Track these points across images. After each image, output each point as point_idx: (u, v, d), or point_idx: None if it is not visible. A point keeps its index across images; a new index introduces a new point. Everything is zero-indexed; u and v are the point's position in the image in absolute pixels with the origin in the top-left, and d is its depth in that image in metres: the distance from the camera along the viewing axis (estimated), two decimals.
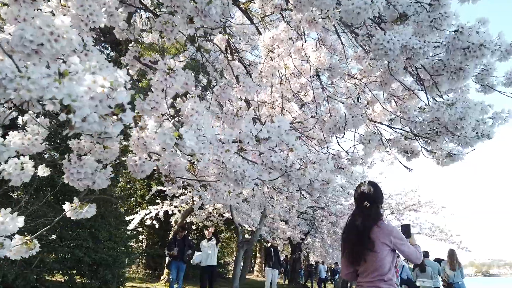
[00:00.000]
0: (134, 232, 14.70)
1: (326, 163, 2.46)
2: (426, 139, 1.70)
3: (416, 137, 1.75)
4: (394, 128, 1.97)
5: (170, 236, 11.36)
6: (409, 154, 1.96)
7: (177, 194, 11.01)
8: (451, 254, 8.30)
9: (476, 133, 1.50)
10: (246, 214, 7.81)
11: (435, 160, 1.87)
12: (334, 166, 2.33)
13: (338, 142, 2.56)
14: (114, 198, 8.01)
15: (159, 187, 11.27)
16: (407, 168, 2.27)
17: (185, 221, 12.18)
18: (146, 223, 12.44)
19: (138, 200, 14.66)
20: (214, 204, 10.88)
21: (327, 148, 2.26)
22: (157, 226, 12.72)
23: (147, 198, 12.35)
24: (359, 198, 2.65)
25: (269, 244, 11.18)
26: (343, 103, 1.95)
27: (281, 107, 2.20)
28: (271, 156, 1.55)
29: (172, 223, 12.62)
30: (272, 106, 2.33)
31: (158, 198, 12.54)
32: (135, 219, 12.35)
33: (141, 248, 16.89)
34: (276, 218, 11.02)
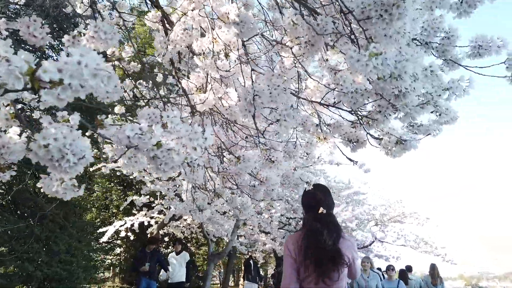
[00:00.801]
0: (108, 245, 14.06)
1: (248, 160, 2.06)
2: (367, 119, 1.31)
3: (356, 116, 1.36)
4: (338, 107, 1.57)
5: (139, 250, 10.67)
6: (354, 143, 1.57)
7: (154, 205, 10.49)
8: (433, 268, 8.24)
9: (422, 100, 1.12)
10: (219, 225, 7.32)
11: (383, 149, 1.49)
12: (267, 159, 1.93)
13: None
14: (75, 207, 7.46)
15: (135, 197, 10.75)
16: (352, 160, 1.89)
17: (160, 233, 11.62)
18: (120, 235, 11.86)
19: (114, 210, 14.06)
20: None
21: (258, 137, 1.85)
22: (132, 238, 12.14)
23: (121, 208, 11.79)
24: (312, 204, 2.23)
25: (247, 257, 10.68)
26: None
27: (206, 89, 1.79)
28: None
29: (149, 235, 12.05)
30: (201, 88, 1.93)
31: (135, 209, 11.99)
32: (109, 230, 11.78)
33: (118, 261, 16.20)
34: (255, 229, 10.53)
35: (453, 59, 1.50)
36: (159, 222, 11.52)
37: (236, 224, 6.86)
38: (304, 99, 1.64)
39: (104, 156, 2.59)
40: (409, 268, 11.75)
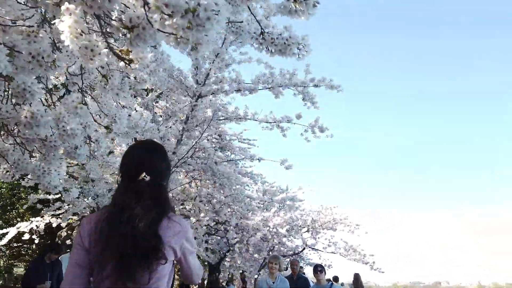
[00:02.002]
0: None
1: None
2: None
3: None
4: None
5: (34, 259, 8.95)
6: None
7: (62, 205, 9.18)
8: (356, 278, 8.21)
9: None
10: None
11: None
12: None
13: None
14: None
15: (39, 196, 9.37)
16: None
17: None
18: (24, 238, 10.34)
19: (21, 210, 12.39)
20: None
21: None
22: (36, 241, 10.67)
23: (24, 207, 10.32)
24: (131, 168, 1.49)
25: None
26: None
27: None
28: None
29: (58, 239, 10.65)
30: None
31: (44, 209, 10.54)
32: (10, 232, 10.25)
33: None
34: None
35: None
36: (70, 224, 10.20)
37: None
38: None
39: None
40: (335, 279, 11.49)
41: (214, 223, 11.22)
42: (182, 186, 9.11)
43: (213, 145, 12.49)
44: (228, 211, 9.05)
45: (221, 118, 6.97)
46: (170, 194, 7.00)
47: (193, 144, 6.10)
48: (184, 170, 8.17)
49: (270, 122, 7.57)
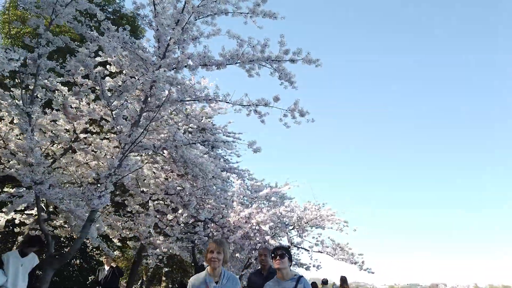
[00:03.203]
0: None
1: None
2: None
3: None
4: None
5: None
6: None
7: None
8: (343, 281, 7.68)
9: None
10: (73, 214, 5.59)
11: None
12: None
13: None
14: None
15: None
16: None
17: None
18: None
19: None
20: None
21: None
22: None
23: None
24: None
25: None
26: None
27: None
28: None
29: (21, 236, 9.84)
30: None
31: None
32: None
33: None
34: (147, 229, 8.83)
35: None
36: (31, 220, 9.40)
37: (91, 216, 5.18)
38: None
39: None
40: (324, 281, 10.74)
41: (193, 220, 10.45)
42: (154, 179, 8.35)
43: (193, 137, 11.70)
44: (204, 206, 8.28)
45: (188, 98, 6.21)
46: (126, 181, 6.22)
47: (147, 125, 5.33)
48: (144, 155, 7.43)
49: (245, 105, 6.83)
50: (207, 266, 3.35)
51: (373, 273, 10.09)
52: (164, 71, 5.52)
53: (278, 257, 3.73)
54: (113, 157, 5.77)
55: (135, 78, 5.33)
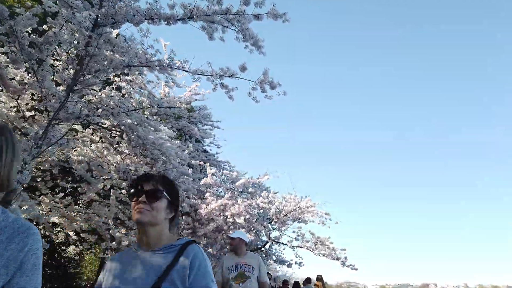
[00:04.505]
0: None
1: None
2: None
3: None
4: None
5: None
6: None
7: None
8: (320, 280, 7.22)
9: None
10: None
11: None
12: None
13: None
14: None
15: None
16: None
17: None
18: None
19: None
20: None
21: None
22: None
23: None
24: None
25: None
26: None
27: None
28: None
29: None
30: None
31: None
32: None
33: None
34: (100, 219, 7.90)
35: None
36: None
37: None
38: None
39: None
40: (308, 280, 9.93)
41: None
42: (108, 162, 7.41)
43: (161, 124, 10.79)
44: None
45: (135, 63, 5.29)
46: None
47: (69, 85, 4.39)
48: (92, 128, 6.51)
49: (207, 75, 5.96)
50: None
51: (356, 269, 9.29)
52: (103, 25, 4.62)
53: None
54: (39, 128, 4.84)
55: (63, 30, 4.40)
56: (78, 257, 14.84)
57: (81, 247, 12.28)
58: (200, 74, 5.87)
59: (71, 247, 13.68)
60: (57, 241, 12.48)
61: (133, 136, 6.71)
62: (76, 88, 4.84)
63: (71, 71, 4.83)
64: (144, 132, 6.58)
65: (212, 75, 5.97)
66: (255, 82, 6.11)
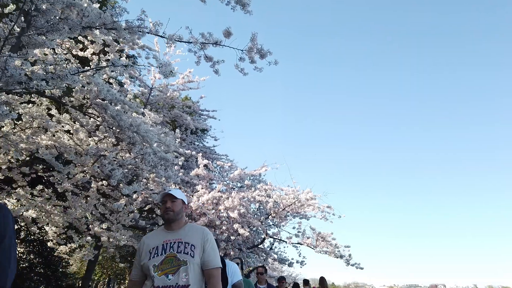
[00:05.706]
0: None
1: None
2: None
3: None
4: None
5: None
6: None
7: None
8: (322, 282, 6.65)
9: None
10: None
11: None
12: None
13: None
14: None
15: None
16: None
17: None
18: None
19: None
20: None
21: None
22: None
23: None
24: None
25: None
26: None
27: None
28: None
29: None
30: None
31: None
32: None
33: None
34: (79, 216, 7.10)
35: None
36: None
37: None
38: None
39: None
40: (306, 282, 9.09)
41: (147, 205, 8.74)
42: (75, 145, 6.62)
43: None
44: (140, 180, 6.56)
45: (97, 24, 4.49)
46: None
47: (14, 45, 3.61)
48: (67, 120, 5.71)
49: (186, 42, 5.15)
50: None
51: (362, 268, 8.41)
52: None
53: None
54: None
55: None
56: (67, 256, 14.13)
57: (70, 245, 11.52)
58: (178, 41, 5.07)
59: (61, 246, 12.97)
60: (46, 238, 11.78)
61: (106, 117, 5.94)
62: (21, 47, 4.05)
63: (17, 28, 4.04)
64: (118, 111, 5.79)
65: (191, 42, 5.17)
66: (242, 50, 5.31)
